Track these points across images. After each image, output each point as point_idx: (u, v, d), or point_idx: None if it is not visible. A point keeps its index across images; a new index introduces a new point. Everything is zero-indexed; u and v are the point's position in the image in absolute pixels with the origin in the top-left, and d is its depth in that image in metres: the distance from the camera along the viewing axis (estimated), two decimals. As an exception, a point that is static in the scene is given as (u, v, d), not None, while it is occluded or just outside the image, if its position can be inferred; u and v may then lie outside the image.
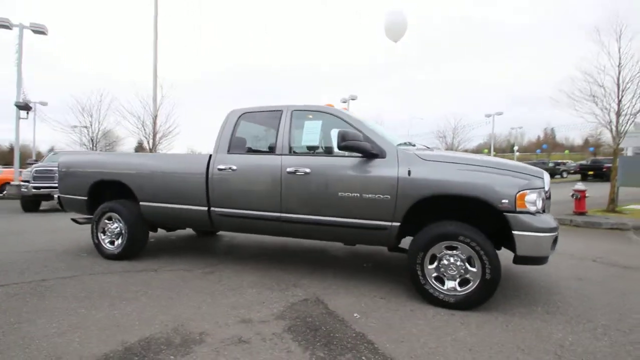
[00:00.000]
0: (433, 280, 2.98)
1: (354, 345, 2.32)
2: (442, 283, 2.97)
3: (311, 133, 3.52)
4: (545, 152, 52.03)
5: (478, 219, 3.05)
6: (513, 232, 2.77)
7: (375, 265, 4.22)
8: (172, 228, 4.84)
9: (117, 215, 4.25)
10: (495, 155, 23.10)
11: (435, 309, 2.91)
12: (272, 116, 3.76)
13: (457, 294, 2.90)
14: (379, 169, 3.13)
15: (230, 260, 4.34)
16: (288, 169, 3.42)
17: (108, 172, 4.31)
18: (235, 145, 3.80)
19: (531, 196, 2.80)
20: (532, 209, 2.81)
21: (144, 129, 12.94)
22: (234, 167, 3.65)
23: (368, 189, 3.13)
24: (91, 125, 17.27)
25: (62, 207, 4.79)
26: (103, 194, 4.52)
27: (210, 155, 3.84)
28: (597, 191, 11.94)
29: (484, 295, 2.84)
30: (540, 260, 2.88)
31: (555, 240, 2.86)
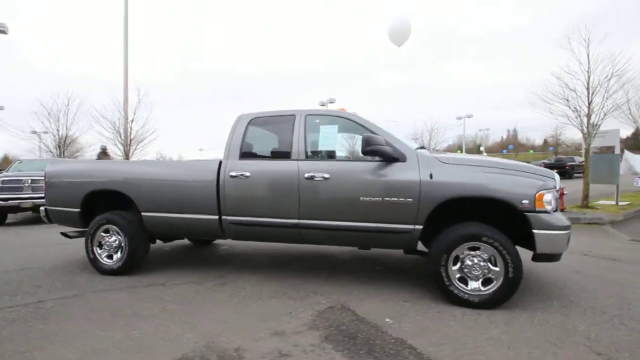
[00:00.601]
0: (457, 281, 3.04)
1: (397, 352, 2.32)
2: (466, 283, 3.04)
3: (328, 138, 3.50)
4: (511, 152, 55.01)
5: (494, 219, 3.15)
6: (533, 231, 2.89)
7: (386, 269, 4.25)
8: (171, 239, 4.62)
9: (115, 228, 3.99)
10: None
11: (461, 310, 2.96)
12: (284, 121, 3.70)
13: (482, 293, 2.98)
14: (401, 173, 3.16)
15: (238, 270, 4.20)
16: (306, 175, 3.36)
17: (105, 182, 4.04)
18: (247, 151, 3.70)
19: (548, 196, 2.94)
20: (549, 208, 2.95)
21: (120, 135, 12.27)
22: (248, 174, 3.54)
23: (390, 192, 3.14)
24: (58, 131, 16.10)
25: (50, 220, 4.43)
26: (96, 205, 4.24)
27: (220, 162, 3.71)
28: (567, 188, 12.78)
29: (508, 293, 2.94)
30: (556, 257, 3.02)
31: (569, 238, 3.02)
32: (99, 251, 4.07)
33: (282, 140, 3.65)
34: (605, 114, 8.37)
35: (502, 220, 3.14)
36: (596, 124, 8.55)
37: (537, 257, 3.01)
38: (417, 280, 3.72)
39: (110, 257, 4.05)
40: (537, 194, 2.90)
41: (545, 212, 2.93)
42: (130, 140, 12.41)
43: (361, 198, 3.21)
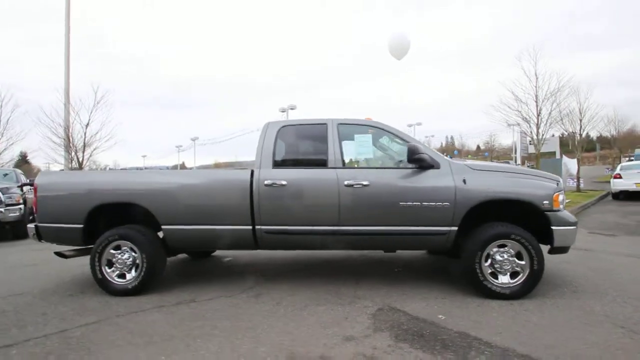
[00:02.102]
0: (489, 276, 3.36)
1: (468, 343, 2.52)
2: (496, 277, 3.37)
3: (363, 146, 3.63)
4: (456, 157, 59.89)
5: (515, 218, 3.54)
6: (552, 227, 3.32)
7: (405, 269, 4.48)
8: (185, 252, 4.35)
9: (129, 244, 3.67)
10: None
11: (495, 302, 3.26)
12: (315, 129, 3.75)
13: (511, 285, 3.32)
14: (437, 179, 3.41)
15: (263, 280, 4.10)
16: (346, 182, 3.46)
17: (118, 193, 3.70)
18: (279, 159, 3.68)
19: (561, 197, 3.40)
20: (561, 207, 3.41)
21: (70, 140, 10.99)
22: (284, 182, 3.52)
23: (428, 197, 3.37)
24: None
25: (40, 238, 3.91)
26: (98, 220, 3.86)
27: (252, 171, 3.63)
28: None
29: (533, 284, 3.32)
30: (567, 249, 3.49)
31: (576, 232, 3.51)
32: (108, 270, 3.71)
33: (316, 149, 3.70)
34: (551, 123, 9.67)
35: (519, 219, 3.54)
36: (544, 132, 9.83)
37: (553, 250, 3.45)
38: (437, 277, 4.00)
39: (122, 276, 3.70)
40: (554, 195, 3.35)
41: (559, 210, 3.38)
42: (84, 146, 11.23)
43: (400, 203, 3.40)
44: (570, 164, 14.20)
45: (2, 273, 4.84)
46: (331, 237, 3.51)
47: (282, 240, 3.61)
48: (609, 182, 13.39)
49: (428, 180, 3.42)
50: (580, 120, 12.87)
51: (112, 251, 3.70)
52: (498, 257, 3.35)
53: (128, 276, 3.70)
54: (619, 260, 4.80)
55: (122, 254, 3.70)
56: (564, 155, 14.86)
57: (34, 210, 3.89)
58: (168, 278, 4.31)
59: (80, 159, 11.26)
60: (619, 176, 11.63)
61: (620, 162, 20.81)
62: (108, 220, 3.89)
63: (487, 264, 3.36)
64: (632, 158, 18.48)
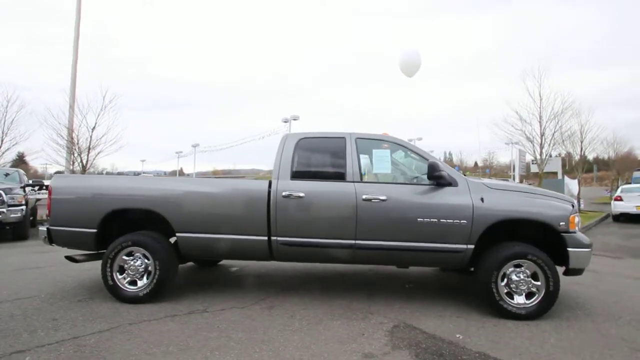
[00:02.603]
0: (505, 296, 3.35)
1: (489, 364, 2.50)
2: (512, 297, 3.36)
3: (382, 161, 3.66)
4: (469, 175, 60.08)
5: (525, 239, 3.54)
6: (568, 249, 3.34)
7: (416, 285, 4.46)
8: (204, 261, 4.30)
9: (142, 250, 3.64)
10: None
11: (511, 322, 3.25)
12: (333, 143, 3.79)
13: (527, 306, 3.31)
14: (454, 197, 3.43)
15: (272, 291, 4.06)
16: (364, 196, 3.47)
17: (135, 199, 3.69)
18: (297, 171, 3.69)
19: (577, 218, 3.43)
20: (577, 229, 3.43)
21: (76, 143, 10.97)
22: (302, 194, 3.53)
23: (446, 214, 3.39)
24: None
25: (51, 242, 3.87)
26: (111, 226, 3.83)
27: (270, 181, 3.64)
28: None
29: (548, 305, 3.31)
30: (582, 271, 3.50)
31: (591, 255, 3.52)
32: (120, 277, 3.66)
33: (335, 162, 3.72)
34: (554, 144, 9.79)
35: (532, 239, 3.55)
36: (547, 152, 9.94)
37: (568, 272, 3.46)
38: (449, 295, 3.98)
39: (133, 283, 3.66)
40: (570, 217, 3.37)
41: (575, 232, 3.40)
42: (89, 149, 11.20)
43: (418, 219, 3.41)
44: (572, 185, 14.32)
45: (7, 276, 4.76)
46: (347, 251, 3.50)
47: (297, 252, 3.60)
48: (609, 203, 13.49)
49: (446, 197, 3.44)
50: (581, 142, 13.07)
51: (124, 257, 3.66)
52: (514, 277, 3.35)
53: (139, 283, 3.65)
54: (628, 283, 4.80)
55: (134, 260, 3.66)
56: (565, 177, 15.01)
57: (47, 213, 3.86)
58: (177, 286, 4.26)
59: (85, 162, 11.22)
60: (619, 198, 11.73)
61: (617, 184, 21.01)
62: (120, 226, 3.87)
63: (503, 283, 3.36)
64: (630, 182, 18.68)
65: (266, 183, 3.65)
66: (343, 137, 3.77)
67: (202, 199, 3.67)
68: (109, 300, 3.64)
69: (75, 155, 11.21)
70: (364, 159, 3.71)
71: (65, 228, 3.78)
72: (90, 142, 11.13)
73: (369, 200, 3.46)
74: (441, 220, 3.39)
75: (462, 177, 3.54)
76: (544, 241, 3.51)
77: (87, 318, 3.22)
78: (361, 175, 3.60)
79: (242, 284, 4.43)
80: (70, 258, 3.93)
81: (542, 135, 9.92)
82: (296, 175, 3.67)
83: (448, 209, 3.40)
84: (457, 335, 2.96)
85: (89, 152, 11.19)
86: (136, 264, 3.65)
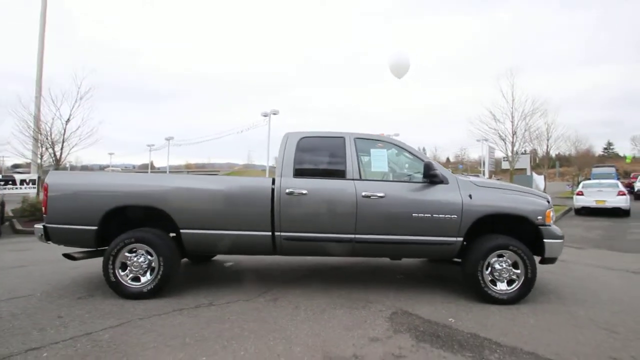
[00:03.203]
0: (489, 283, 3.70)
1: (481, 343, 2.81)
2: (495, 284, 3.71)
3: (379, 160, 3.89)
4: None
5: (505, 231, 3.90)
6: (544, 240, 3.72)
7: (406, 276, 4.76)
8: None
9: (145, 247, 3.69)
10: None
11: (494, 307, 3.60)
12: (333, 142, 3.98)
13: (508, 292, 3.67)
14: (445, 194, 3.73)
15: (272, 284, 4.22)
16: (363, 193, 3.69)
17: (139, 196, 3.71)
18: (299, 169, 3.85)
19: (552, 213, 3.83)
20: (551, 222, 3.83)
21: (49, 135, 10.45)
22: (304, 191, 3.70)
23: (439, 210, 3.68)
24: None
25: (48, 239, 3.82)
26: (110, 223, 3.84)
27: (273, 179, 3.78)
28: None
29: (527, 291, 3.69)
30: (555, 260, 3.91)
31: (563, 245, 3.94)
32: (122, 273, 3.69)
33: (335, 160, 3.91)
34: (525, 142, 10.49)
35: (511, 232, 3.92)
36: (518, 150, 10.63)
37: (543, 261, 3.86)
38: (437, 283, 4.31)
39: (136, 279, 3.70)
40: (546, 211, 3.76)
41: (550, 225, 3.80)
42: (63, 142, 10.72)
43: (413, 214, 3.68)
44: (539, 180, 15.40)
45: (-7, 274, 4.62)
46: (348, 245, 3.72)
47: (300, 246, 3.77)
48: (571, 197, 14.57)
49: (438, 194, 3.73)
50: (547, 140, 14.02)
51: (126, 254, 3.69)
52: (497, 266, 3.70)
53: (143, 279, 3.70)
54: (590, 271, 5.35)
55: (137, 257, 3.70)
56: (533, 172, 16.10)
57: (44, 210, 3.80)
58: (176, 282, 4.32)
59: (58, 155, 10.73)
60: (581, 193, 12.74)
61: (578, 180, 22.62)
62: (119, 224, 3.88)
63: (487, 272, 3.70)
64: (590, 177, 20.23)
65: (270, 181, 3.78)
66: (342, 137, 3.96)
67: (206, 196, 3.75)
68: (110, 297, 3.67)
69: (44, 148, 10.73)
70: (362, 157, 3.92)
71: (64, 226, 3.75)
72: (64, 134, 10.65)
73: (368, 197, 3.69)
74: (434, 215, 3.67)
75: (452, 176, 3.84)
76: (522, 233, 3.89)
77: (93, 315, 3.25)
78: (360, 173, 3.82)
79: (241, 278, 4.55)
80: (68, 256, 3.89)
81: (514, 134, 10.62)
82: (298, 173, 3.83)
83: (440, 204, 3.69)
84: (450, 319, 3.27)
85: (62, 145, 10.72)
86: (139, 260, 3.69)
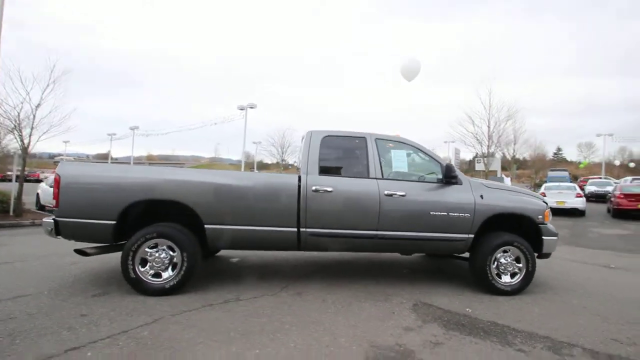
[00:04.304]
0: (495, 276, 4.04)
1: (501, 330, 3.10)
2: (500, 277, 4.06)
3: (400, 161, 4.09)
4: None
5: (512, 229, 4.28)
6: (543, 237, 4.13)
7: (411, 270, 5.03)
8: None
9: (167, 242, 3.61)
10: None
11: (501, 298, 3.94)
12: (355, 141, 4.11)
13: (512, 284, 4.04)
14: (460, 194, 4.00)
15: (290, 279, 4.29)
16: (386, 192, 3.87)
17: (161, 190, 3.61)
18: (324, 166, 3.95)
19: (549, 213, 4.24)
20: (548, 221, 4.25)
21: (17, 122, 9.55)
22: (330, 189, 3.81)
23: (454, 208, 3.95)
24: None
25: (59, 234, 3.61)
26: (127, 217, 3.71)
27: (299, 177, 3.84)
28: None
29: (527, 283, 4.07)
30: (550, 255, 4.34)
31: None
32: (142, 269, 3.59)
33: (358, 160, 4.05)
34: (499, 145, 11.28)
35: (513, 229, 4.30)
36: (493, 153, 11.41)
37: (540, 256, 4.27)
38: (441, 277, 4.62)
39: (157, 275, 3.62)
40: (545, 211, 4.17)
41: (547, 224, 4.22)
42: (32, 129, 9.87)
43: (431, 212, 3.92)
44: (506, 181, 16.61)
45: (-18, 272, 4.26)
46: (370, 241, 3.89)
47: (324, 242, 3.88)
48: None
49: (453, 194, 4.00)
50: (514, 144, 15.15)
51: (147, 249, 3.60)
52: (502, 261, 4.05)
53: (164, 275, 3.63)
54: (569, 265, 5.95)
55: (158, 252, 3.62)
56: (502, 173, 17.34)
57: (56, 203, 3.58)
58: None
59: (27, 143, 9.89)
60: (544, 194, 13.89)
61: (535, 182, 24.57)
62: (136, 218, 3.76)
63: (494, 266, 4.04)
64: (545, 179, 22.06)
65: (296, 178, 3.84)
66: (364, 137, 4.11)
67: (232, 191, 3.74)
68: (127, 294, 3.57)
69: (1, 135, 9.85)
70: (383, 157, 4.10)
71: (79, 220, 3.57)
72: (33, 121, 9.83)
73: (391, 195, 3.88)
74: (450, 213, 3.94)
75: (465, 177, 4.13)
76: (523, 230, 4.27)
77: (119, 312, 3.15)
78: (382, 173, 3.99)
79: (254, 274, 4.56)
80: (80, 252, 3.71)
81: (490, 137, 11.39)
82: (323, 170, 3.92)
83: (455, 204, 3.97)
84: (467, 309, 3.55)
85: (31, 132, 9.89)
86: (161, 256, 3.61)
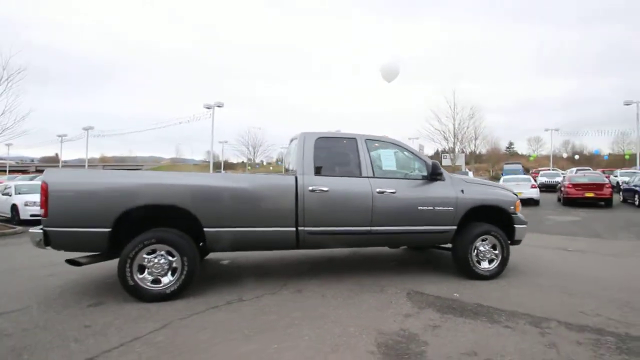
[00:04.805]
0: (475, 263, 4.43)
1: (487, 310, 3.45)
2: (479, 264, 4.47)
3: (388, 160, 4.34)
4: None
5: (487, 219, 4.70)
6: (515, 225, 4.59)
7: (398, 263, 5.34)
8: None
9: (166, 247, 3.60)
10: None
11: (481, 282, 4.33)
12: (346, 143, 4.31)
13: (490, 269, 4.46)
14: (444, 189, 4.34)
15: (286, 278, 4.40)
16: (377, 190, 4.11)
17: (159, 195, 3.58)
18: (319, 167, 4.10)
19: (519, 204, 4.72)
20: (518, 211, 4.73)
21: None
22: (326, 188, 3.97)
23: (439, 203, 4.28)
24: None
25: (48, 244, 3.46)
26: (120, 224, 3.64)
27: (296, 177, 3.97)
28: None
29: (503, 268, 4.51)
30: (520, 242, 4.82)
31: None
32: (140, 276, 3.55)
33: (350, 160, 4.24)
34: (464, 142, 12.06)
35: (488, 219, 4.73)
36: (459, 149, 12.17)
37: (512, 243, 4.74)
38: (424, 267, 4.97)
39: (156, 281, 3.59)
40: (516, 202, 4.63)
41: (517, 214, 4.69)
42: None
43: (419, 207, 4.22)
44: (470, 175, 17.76)
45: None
46: (365, 237, 4.12)
47: (323, 240, 4.04)
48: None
49: (438, 190, 4.33)
50: (475, 140, 16.22)
51: (144, 256, 3.56)
52: (481, 249, 4.45)
53: (163, 281, 3.61)
54: (533, 250, 6.57)
55: (157, 258, 3.59)
56: (466, 168, 18.54)
57: (44, 212, 3.43)
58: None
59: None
60: (503, 186, 15.06)
61: (490, 174, 26.35)
62: (129, 225, 3.70)
63: (474, 253, 4.43)
64: (501, 173, 23.79)
65: (292, 178, 3.96)
66: (354, 138, 4.32)
67: (231, 194, 3.78)
68: (123, 302, 3.52)
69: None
70: (375, 157, 4.34)
71: (70, 229, 3.45)
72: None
73: (382, 192, 4.12)
74: (435, 207, 4.27)
75: (447, 174, 4.48)
76: (497, 220, 4.70)
77: (124, 320, 3.12)
78: (373, 172, 4.23)
79: (249, 275, 4.61)
80: (72, 262, 3.59)
81: (455, 135, 12.16)
82: (318, 171, 4.08)
83: (440, 198, 4.30)
84: (455, 294, 3.88)
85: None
86: (160, 261, 3.59)
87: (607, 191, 13.51)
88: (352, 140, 4.32)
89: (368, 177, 4.17)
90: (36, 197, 10.76)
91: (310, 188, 3.94)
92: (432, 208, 4.26)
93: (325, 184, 4.01)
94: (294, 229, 3.92)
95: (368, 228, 4.10)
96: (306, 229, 3.94)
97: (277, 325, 3.03)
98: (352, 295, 3.83)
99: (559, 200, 15.70)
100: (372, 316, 3.26)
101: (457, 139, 12.15)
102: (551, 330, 3.02)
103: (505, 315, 3.32)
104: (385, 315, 3.29)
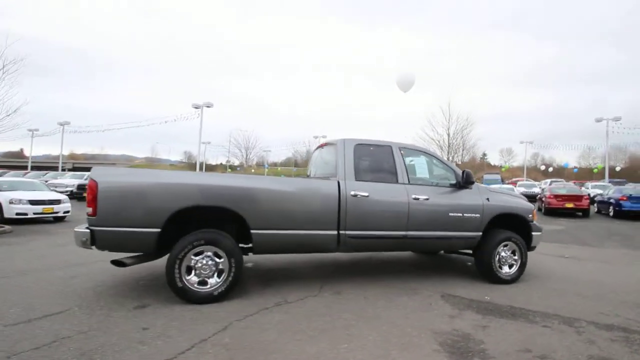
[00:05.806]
0: (498, 267, 4.70)
1: (521, 311, 3.69)
2: (501, 269, 4.74)
3: (422, 168, 4.55)
4: None
5: (506, 226, 5.00)
6: (532, 233, 4.91)
7: (415, 267, 5.54)
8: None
9: (213, 249, 3.61)
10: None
11: (503, 286, 4.60)
12: (382, 150, 4.49)
13: (510, 273, 4.74)
14: (472, 197, 4.60)
15: (320, 281, 4.49)
16: (413, 196, 4.30)
17: (209, 197, 3.59)
18: (358, 172, 4.24)
19: (536, 212, 5.05)
20: (535, 220, 5.06)
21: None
22: (366, 194, 4.12)
23: (468, 210, 4.52)
24: None
25: (95, 244, 3.38)
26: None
27: (338, 182, 4.09)
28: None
29: (521, 272, 4.81)
30: (535, 248, 5.15)
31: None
32: (187, 277, 3.53)
33: (387, 166, 4.41)
34: (456, 151, 12.58)
35: (507, 226, 5.03)
36: (452, 158, 12.68)
37: (529, 249, 5.06)
38: (446, 270, 5.20)
39: (203, 283, 3.58)
40: (533, 211, 4.96)
41: (534, 222, 5.02)
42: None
43: (450, 214, 4.44)
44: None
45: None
46: (400, 241, 4.28)
47: (362, 243, 4.17)
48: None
49: (466, 197, 4.58)
50: (462, 150, 16.93)
51: (192, 257, 3.55)
52: (503, 254, 4.73)
53: (210, 282, 3.61)
54: (534, 257, 6.97)
55: (204, 259, 3.59)
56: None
57: (92, 212, 3.35)
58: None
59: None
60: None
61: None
62: (183, 224, 3.69)
63: (497, 259, 4.70)
64: (482, 182, 24.91)
65: (335, 183, 4.08)
66: (390, 146, 4.51)
67: (278, 197, 3.85)
68: (168, 303, 3.52)
69: None
70: (409, 164, 4.53)
71: (118, 229, 3.39)
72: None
73: (417, 199, 4.31)
74: (464, 214, 4.51)
75: (474, 183, 4.75)
76: (515, 227, 5.01)
77: (182, 322, 3.12)
78: (408, 179, 4.42)
79: (279, 278, 4.67)
80: (118, 262, 3.52)
81: (449, 145, 12.67)
82: (358, 176, 4.22)
83: (468, 205, 4.55)
84: (486, 297, 4.11)
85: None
86: (208, 263, 3.59)
87: (585, 202, 14.46)
88: (387, 147, 4.50)
89: (404, 183, 4.36)
90: (22, 195, 10.25)
91: (352, 193, 4.07)
92: (461, 215, 4.49)
93: (366, 189, 4.15)
94: (335, 232, 4.03)
95: (404, 233, 4.27)
96: (347, 232, 4.06)
97: (336, 325, 3.12)
98: (392, 297, 3.97)
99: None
100: (420, 317, 3.42)
101: (452, 148, 12.78)
102: (584, 329, 3.29)
103: (539, 317, 3.57)
104: (431, 316, 3.45)
